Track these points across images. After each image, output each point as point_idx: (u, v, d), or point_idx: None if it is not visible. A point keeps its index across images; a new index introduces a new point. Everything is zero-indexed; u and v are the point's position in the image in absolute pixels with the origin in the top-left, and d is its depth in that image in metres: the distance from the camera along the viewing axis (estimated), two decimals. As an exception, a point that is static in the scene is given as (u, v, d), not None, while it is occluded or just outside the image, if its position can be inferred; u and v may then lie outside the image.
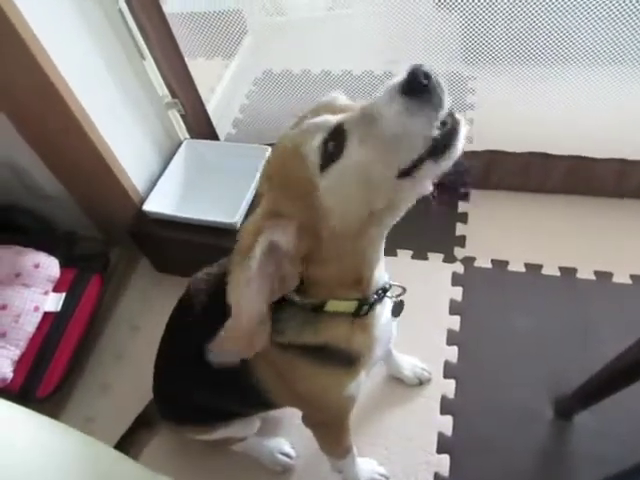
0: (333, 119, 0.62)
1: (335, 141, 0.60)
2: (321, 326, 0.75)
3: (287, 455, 1.31)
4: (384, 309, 0.86)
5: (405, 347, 1.42)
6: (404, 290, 0.90)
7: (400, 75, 0.56)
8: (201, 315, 0.91)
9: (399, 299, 0.90)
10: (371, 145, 0.58)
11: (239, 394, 0.94)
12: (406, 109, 0.55)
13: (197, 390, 1.00)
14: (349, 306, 0.76)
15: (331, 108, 0.65)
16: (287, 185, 0.64)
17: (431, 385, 1.41)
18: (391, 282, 0.85)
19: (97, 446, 0.73)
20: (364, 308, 0.77)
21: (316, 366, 0.80)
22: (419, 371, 1.40)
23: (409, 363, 1.41)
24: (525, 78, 1.58)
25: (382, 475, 1.26)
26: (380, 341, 0.87)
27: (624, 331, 1.37)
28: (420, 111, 0.55)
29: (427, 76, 0.55)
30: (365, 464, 1.25)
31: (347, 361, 0.81)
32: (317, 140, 0.60)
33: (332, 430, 1.04)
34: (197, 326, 0.90)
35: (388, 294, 0.84)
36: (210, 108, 1.83)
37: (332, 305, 0.74)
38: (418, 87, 0.54)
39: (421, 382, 1.41)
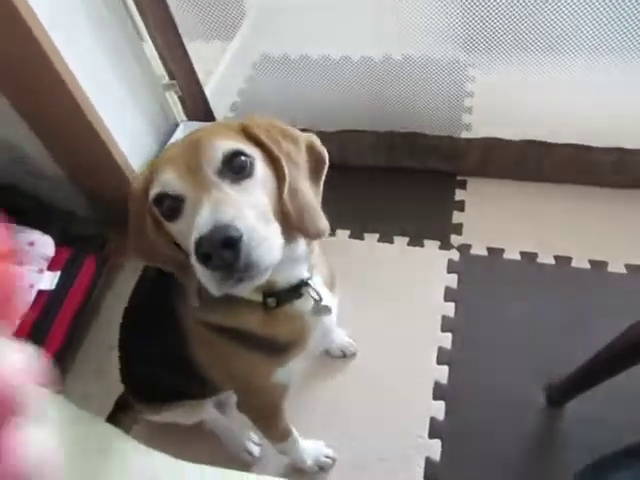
0: (183, 189, 0.64)
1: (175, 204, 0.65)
2: (234, 311, 0.78)
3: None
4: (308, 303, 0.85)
5: (399, 332, 1.42)
6: (320, 299, 0.84)
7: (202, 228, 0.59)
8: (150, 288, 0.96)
9: (323, 304, 0.85)
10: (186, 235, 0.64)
11: (181, 370, 0.95)
12: (202, 268, 0.60)
13: (144, 364, 1.03)
14: (255, 296, 0.78)
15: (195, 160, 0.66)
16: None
17: (425, 371, 1.41)
18: (311, 282, 0.83)
19: (95, 420, 0.74)
20: (269, 300, 0.79)
21: (241, 348, 0.83)
22: (346, 344, 1.43)
23: (337, 335, 1.42)
24: (524, 66, 1.58)
25: (328, 457, 1.28)
26: (314, 333, 0.88)
27: (617, 319, 1.38)
28: (209, 272, 0.59)
29: (213, 248, 0.57)
30: (311, 445, 1.26)
31: (271, 348, 0.84)
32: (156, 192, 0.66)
33: (265, 415, 1.05)
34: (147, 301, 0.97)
35: (312, 292, 0.82)
36: (208, 91, 1.82)
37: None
38: (205, 259, 0.58)
39: (345, 355, 1.44)
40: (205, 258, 0.57)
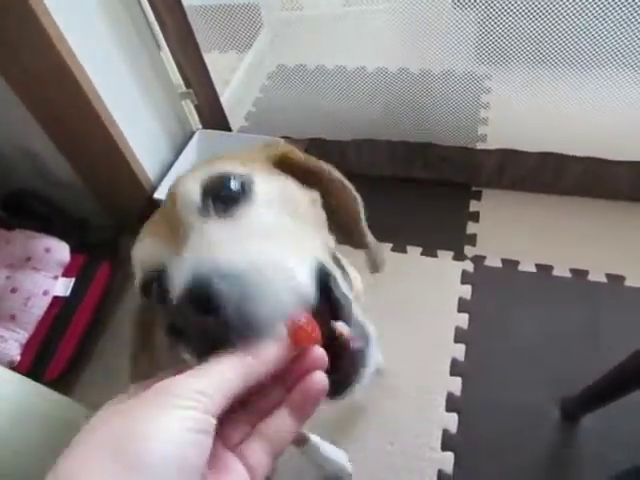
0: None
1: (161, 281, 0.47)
2: None
3: None
4: None
5: (411, 343, 1.41)
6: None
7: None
8: None
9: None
10: None
11: None
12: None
13: None
14: None
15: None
16: None
17: (438, 382, 1.40)
18: None
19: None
20: None
21: None
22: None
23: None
24: (541, 78, 1.57)
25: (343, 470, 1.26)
26: None
27: (634, 335, 1.37)
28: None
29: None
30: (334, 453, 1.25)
31: None
32: None
33: None
34: None
35: None
36: (223, 100, 1.84)
37: None
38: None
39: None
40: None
